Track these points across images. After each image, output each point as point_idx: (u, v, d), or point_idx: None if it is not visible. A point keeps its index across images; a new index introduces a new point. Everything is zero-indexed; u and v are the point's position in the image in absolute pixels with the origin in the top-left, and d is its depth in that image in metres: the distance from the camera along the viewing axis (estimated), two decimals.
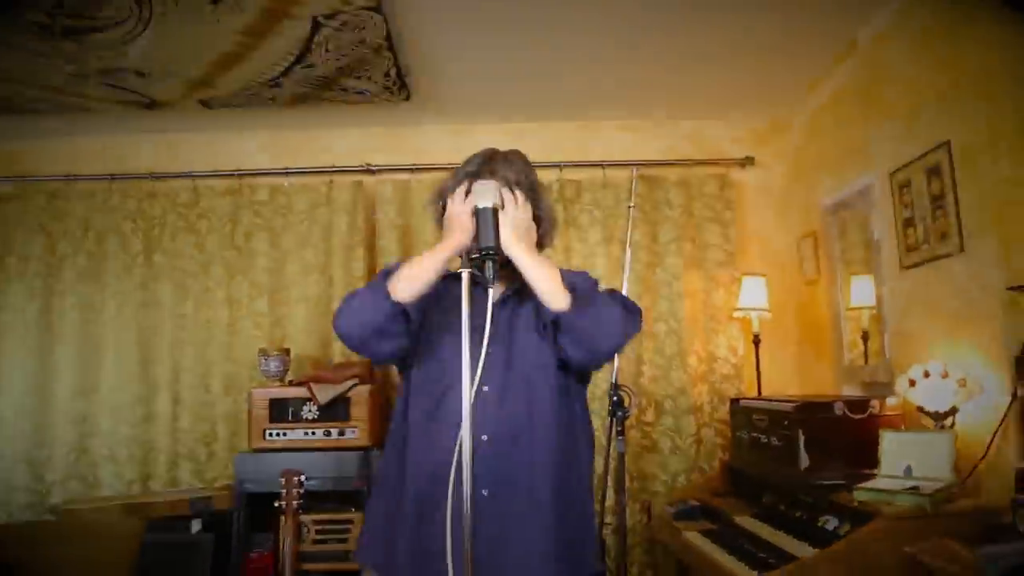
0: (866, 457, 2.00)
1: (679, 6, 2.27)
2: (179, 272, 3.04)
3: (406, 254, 3.03)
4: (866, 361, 2.52)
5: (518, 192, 1.37)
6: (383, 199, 3.08)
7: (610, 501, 2.65)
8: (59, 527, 2.27)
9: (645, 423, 2.99)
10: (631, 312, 1.41)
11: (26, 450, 2.90)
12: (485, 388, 1.31)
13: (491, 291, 1.24)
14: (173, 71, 2.53)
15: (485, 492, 1.30)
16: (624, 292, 2.62)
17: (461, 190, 1.37)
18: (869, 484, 1.88)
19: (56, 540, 1.94)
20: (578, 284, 1.40)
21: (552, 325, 1.33)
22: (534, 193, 1.44)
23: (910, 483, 1.84)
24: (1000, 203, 1.84)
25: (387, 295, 1.31)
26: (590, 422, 1.50)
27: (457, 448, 1.18)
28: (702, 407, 3.01)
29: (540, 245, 1.46)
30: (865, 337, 2.53)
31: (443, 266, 1.33)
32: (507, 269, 1.35)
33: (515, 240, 1.32)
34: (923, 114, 2.13)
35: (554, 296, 1.31)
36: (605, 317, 1.33)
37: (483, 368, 1.19)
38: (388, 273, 1.36)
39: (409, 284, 1.31)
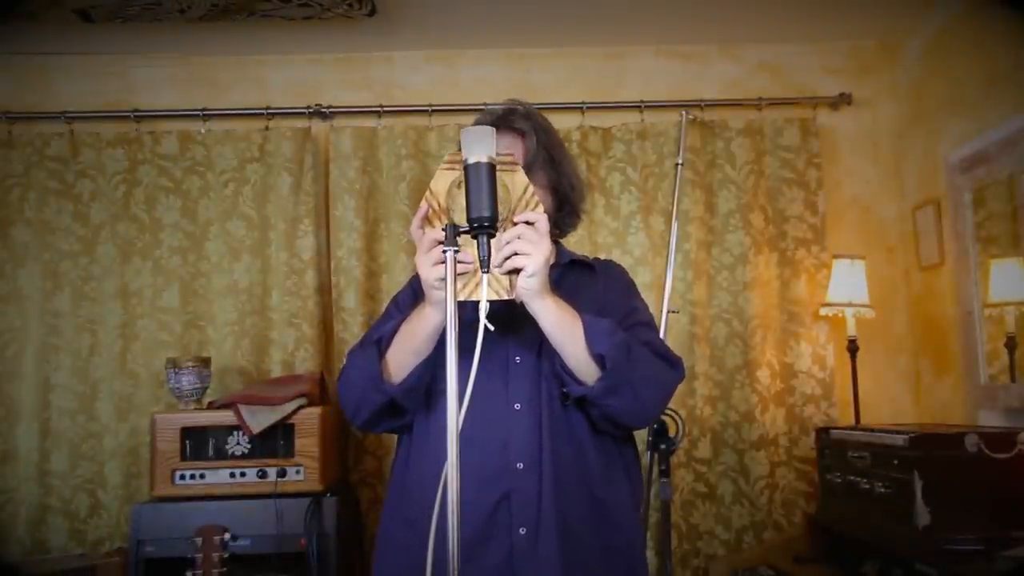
0: (1013, 512, 1.99)
1: None
2: (50, 252, 2.99)
3: (371, 228, 3.04)
4: (1012, 378, 2.52)
5: (529, 190, 1.39)
6: (340, 152, 3.06)
7: (651, 565, 2.66)
8: None
9: (698, 460, 2.98)
10: (672, 366, 1.54)
11: None
12: (516, 407, 1.50)
13: (485, 279, 1.28)
14: None
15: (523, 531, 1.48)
16: (669, 280, 2.64)
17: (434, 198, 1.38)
18: (1021, 552, 1.87)
19: None
20: (611, 302, 1.54)
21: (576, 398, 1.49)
22: (557, 159, 1.58)
23: None
24: None
25: (381, 380, 1.47)
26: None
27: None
28: (777, 440, 2.99)
29: (559, 234, 1.58)
30: (1011, 344, 2.53)
31: (431, 336, 1.43)
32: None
33: (539, 290, 1.37)
34: None
35: (580, 372, 1.43)
36: (643, 388, 1.46)
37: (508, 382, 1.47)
38: (380, 340, 1.50)
39: (399, 369, 1.47)
